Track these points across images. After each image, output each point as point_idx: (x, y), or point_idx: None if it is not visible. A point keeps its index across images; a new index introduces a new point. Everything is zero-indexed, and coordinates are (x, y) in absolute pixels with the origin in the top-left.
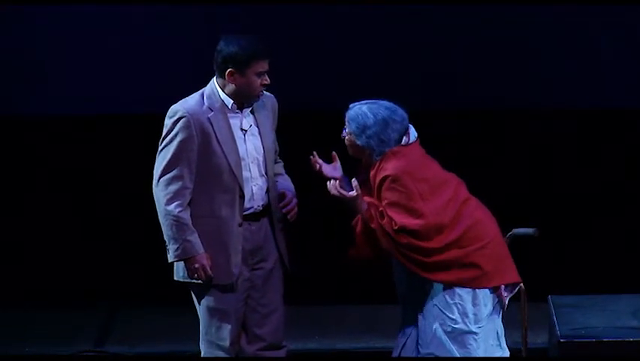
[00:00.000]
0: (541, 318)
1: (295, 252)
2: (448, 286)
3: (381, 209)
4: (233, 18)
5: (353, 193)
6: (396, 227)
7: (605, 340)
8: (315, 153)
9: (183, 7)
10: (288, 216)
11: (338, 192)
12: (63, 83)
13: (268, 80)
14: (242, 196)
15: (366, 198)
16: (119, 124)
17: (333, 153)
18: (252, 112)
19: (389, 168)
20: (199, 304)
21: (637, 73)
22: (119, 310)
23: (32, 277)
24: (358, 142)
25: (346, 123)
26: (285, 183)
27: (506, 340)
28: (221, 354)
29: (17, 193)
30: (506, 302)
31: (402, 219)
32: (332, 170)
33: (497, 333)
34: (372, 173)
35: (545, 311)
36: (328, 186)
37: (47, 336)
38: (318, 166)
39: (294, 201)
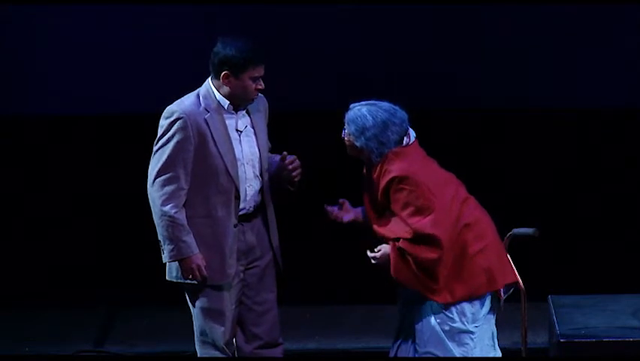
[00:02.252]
0: (541, 318)
1: (295, 252)
2: None
3: (392, 237)
4: (234, 18)
5: (378, 254)
6: (410, 236)
7: (605, 340)
8: (325, 206)
9: (183, 7)
10: (294, 173)
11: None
12: (63, 83)
13: (262, 84)
14: (237, 197)
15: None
16: (119, 124)
17: (340, 200)
18: (246, 113)
19: (394, 169)
20: (192, 304)
21: (637, 73)
22: (118, 310)
23: (32, 277)
24: (357, 143)
25: (345, 124)
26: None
27: (506, 340)
28: (216, 354)
29: (17, 193)
30: (502, 302)
31: (414, 220)
32: (350, 214)
33: (492, 333)
34: (374, 176)
35: (545, 311)
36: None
37: (47, 336)
38: (340, 218)
39: (298, 162)
